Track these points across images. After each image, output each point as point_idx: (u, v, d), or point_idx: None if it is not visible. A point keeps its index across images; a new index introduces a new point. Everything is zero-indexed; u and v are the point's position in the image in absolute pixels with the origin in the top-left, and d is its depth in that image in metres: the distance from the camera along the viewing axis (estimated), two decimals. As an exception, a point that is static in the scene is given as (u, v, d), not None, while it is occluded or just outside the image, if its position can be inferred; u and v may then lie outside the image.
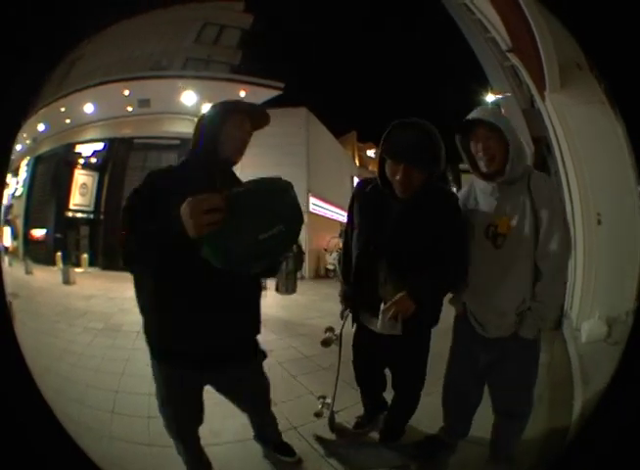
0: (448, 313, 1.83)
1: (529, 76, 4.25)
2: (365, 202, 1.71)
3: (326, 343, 2.02)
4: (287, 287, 1.31)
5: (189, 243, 1.03)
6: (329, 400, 2.15)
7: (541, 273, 1.56)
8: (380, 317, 1.52)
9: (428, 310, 1.67)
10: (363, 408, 2.16)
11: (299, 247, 1.35)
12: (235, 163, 1.49)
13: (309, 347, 3.61)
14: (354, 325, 1.87)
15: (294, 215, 1.15)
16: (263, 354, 1.62)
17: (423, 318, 1.64)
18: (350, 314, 1.86)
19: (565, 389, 2.21)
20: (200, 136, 1.42)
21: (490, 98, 6.33)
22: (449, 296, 1.78)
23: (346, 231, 1.83)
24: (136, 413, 2.09)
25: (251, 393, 1.68)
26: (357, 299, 1.79)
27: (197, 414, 1.58)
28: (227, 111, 1.42)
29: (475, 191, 1.72)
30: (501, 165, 1.55)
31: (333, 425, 2.12)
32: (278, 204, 1.10)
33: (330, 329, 2.07)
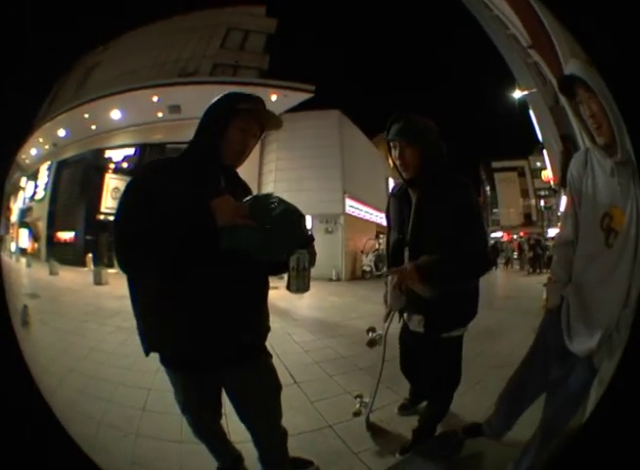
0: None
1: (551, 72, 4.16)
2: (394, 201, 1.86)
3: (372, 343, 2.03)
4: (297, 286, 1.31)
5: (211, 234, 1.12)
6: (366, 399, 2.14)
7: (630, 296, 1.24)
8: (388, 291, 1.58)
9: (447, 304, 1.59)
10: (409, 394, 2.24)
11: (312, 244, 1.40)
12: (236, 167, 1.38)
13: (346, 347, 3.58)
14: (400, 320, 1.89)
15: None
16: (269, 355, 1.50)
17: (447, 315, 1.63)
18: (396, 314, 1.89)
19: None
20: (201, 135, 1.31)
21: (518, 94, 6.24)
22: (551, 282, 1.52)
23: (387, 234, 1.95)
24: (168, 410, 2.05)
25: (259, 395, 1.47)
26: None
27: (215, 413, 1.53)
28: (232, 110, 1.28)
29: (592, 163, 1.38)
30: (610, 139, 1.23)
31: (369, 423, 2.12)
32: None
33: (372, 329, 2.09)
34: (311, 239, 1.38)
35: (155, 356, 1.31)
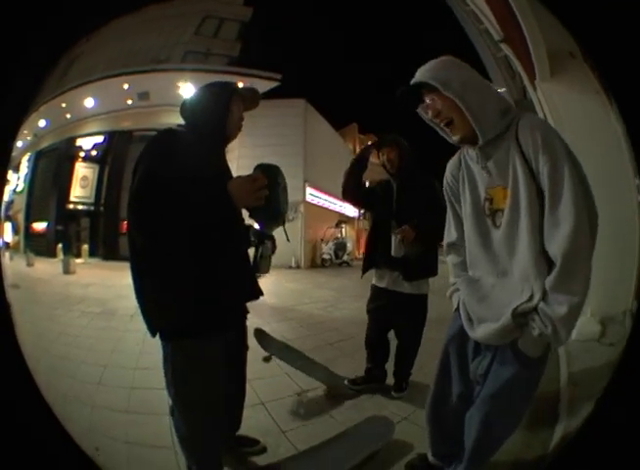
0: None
1: (521, 66, 4.22)
2: (380, 186, 2.50)
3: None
4: (260, 268, 1.54)
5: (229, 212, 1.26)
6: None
7: (553, 261, 1.10)
8: (392, 242, 2.22)
9: (423, 256, 2.23)
10: (364, 372, 2.45)
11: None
12: (233, 139, 1.56)
13: (292, 330, 3.70)
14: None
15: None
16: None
17: (416, 269, 2.25)
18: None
19: (551, 387, 2.07)
20: (207, 114, 1.45)
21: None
22: (449, 290, 1.49)
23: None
24: (120, 384, 2.24)
25: (242, 359, 1.64)
26: (374, 259, 2.40)
27: (222, 386, 1.45)
28: (231, 92, 1.48)
29: (466, 160, 1.35)
30: (467, 128, 1.20)
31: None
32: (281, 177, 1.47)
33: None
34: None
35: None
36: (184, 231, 1.21)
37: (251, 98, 1.56)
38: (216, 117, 1.43)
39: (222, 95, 1.46)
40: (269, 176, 1.35)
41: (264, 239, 1.63)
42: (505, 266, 1.22)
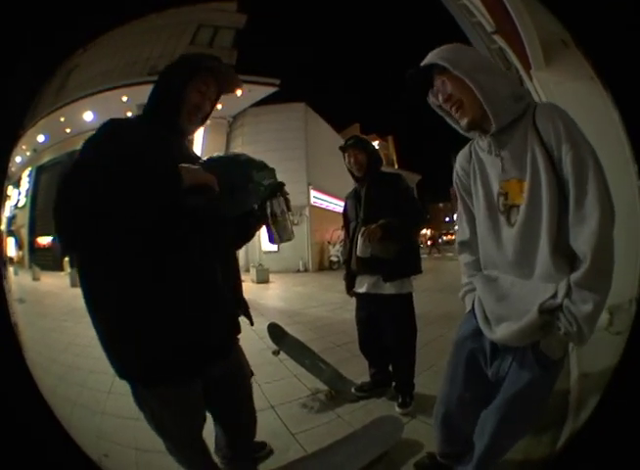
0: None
1: (515, 57, 4.22)
2: (348, 202, 2.51)
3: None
4: (280, 234, 1.23)
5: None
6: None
7: (578, 257, 1.03)
8: (359, 242, 2.14)
9: (401, 256, 2.17)
10: (370, 377, 2.45)
11: (284, 189, 1.34)
12: (191, 134, 1.28)
13: (300, 333, 3.74)
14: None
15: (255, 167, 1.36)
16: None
17: (396, 270, 2.20)
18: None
19: (561, 380, 1.90)
20: (157, 98, 1.19)
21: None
22: (462, 290, 1.40)
23: (346, 228, 2.54)
24: (129, 392, 2.21)
25: (245, 382, 1.45)
26: (351, 270, 2.36)
27: (201, 420, 1.31)
28: (191, 69, 1.18)
29: (476, 151, 1.27)
30: (478, 111, 1.13)
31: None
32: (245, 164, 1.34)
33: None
34: (281, 184, 1.37)
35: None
36: (122, 235, 1.00)
37: (225, 77, 1.27)
38: (167, 104, 1.17)
39: (177, 75, 1.17)
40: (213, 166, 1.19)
41: (269, 193, 1.32)
42: (523, 266, 1.14)
